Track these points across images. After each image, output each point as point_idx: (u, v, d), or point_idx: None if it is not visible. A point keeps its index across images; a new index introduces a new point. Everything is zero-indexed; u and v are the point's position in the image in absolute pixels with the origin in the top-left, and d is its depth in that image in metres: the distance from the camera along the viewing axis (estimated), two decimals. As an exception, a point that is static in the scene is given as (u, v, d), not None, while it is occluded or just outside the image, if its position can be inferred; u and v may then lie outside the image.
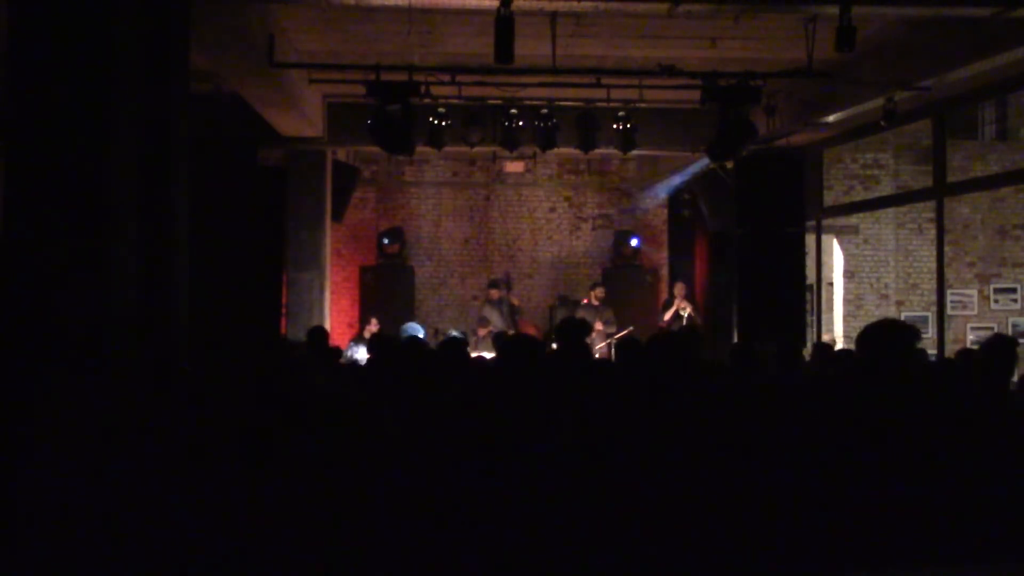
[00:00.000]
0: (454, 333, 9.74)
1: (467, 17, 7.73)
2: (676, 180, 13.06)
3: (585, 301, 12.70)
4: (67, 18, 4.52)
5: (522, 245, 14.65)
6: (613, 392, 3.87)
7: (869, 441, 3.19)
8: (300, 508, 2.88)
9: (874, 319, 13.59)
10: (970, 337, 12.81)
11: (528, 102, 10.03)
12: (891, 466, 3.09)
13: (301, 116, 9.99)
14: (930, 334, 11.02)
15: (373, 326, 11.50)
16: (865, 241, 13.52)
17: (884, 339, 3.29)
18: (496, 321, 12.30)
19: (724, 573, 2.83)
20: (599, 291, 12.58)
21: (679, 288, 12.71)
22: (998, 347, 4.79)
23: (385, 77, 8.53)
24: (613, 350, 11.69)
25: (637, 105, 10.00)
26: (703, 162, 11.34)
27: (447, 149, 10.74)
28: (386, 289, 13.40)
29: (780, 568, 2.83)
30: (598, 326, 11.66)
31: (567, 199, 14.78)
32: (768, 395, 4.12)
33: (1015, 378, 5.16)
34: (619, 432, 3.32)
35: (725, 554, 2.82)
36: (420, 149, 10.14)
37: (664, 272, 14.62)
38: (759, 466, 3.02)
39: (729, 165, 11.62)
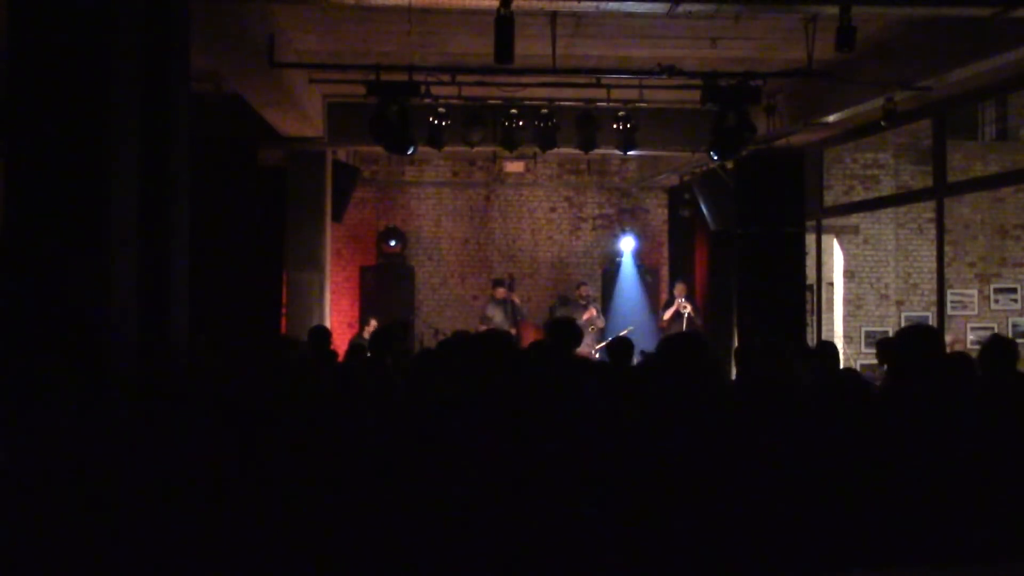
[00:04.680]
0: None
1: (467, 17, 7.73)
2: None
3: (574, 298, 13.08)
4: (67, 18, 4.52)
5: (522, 245, 14.65)
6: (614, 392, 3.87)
7: (869, 441, 3.19)
8: (296, 513, 2.88)
9: (874, 319, 13.51)
10: (970, 337, 12.80)
11: (528, 102, 10.02)
12: (891, 465, 3.09)
13: (301, 116, 9.99)
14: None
15: (373, 326, 11.48)
16: (865, 241, 13.51)
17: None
18: (499, 320, 12.34)
19: (725, 572, 2.82)
20: (583, 290, 12.99)
21: (679, 288, 12.78)
22: (997, 347, 4.81)
23: (385, 77, 8.52)
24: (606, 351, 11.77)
25: (637, 105, 9.99)
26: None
27: (447, 149, 10.73)
28: (386, 289, 13.42)
29: (781, 568, 2.82)
30: (585, 317, 12.16)
31: (567, 199, 14.78)
32: (771, 395, 4.12)
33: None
34: (620, 429, 3.31)
35: (727, 553, 2.82)
36: (420, 149, 10.15)
37: (664, 272, 14.63)
38: (761, 465, 3.01)
39: (729, 165, 11.61)
